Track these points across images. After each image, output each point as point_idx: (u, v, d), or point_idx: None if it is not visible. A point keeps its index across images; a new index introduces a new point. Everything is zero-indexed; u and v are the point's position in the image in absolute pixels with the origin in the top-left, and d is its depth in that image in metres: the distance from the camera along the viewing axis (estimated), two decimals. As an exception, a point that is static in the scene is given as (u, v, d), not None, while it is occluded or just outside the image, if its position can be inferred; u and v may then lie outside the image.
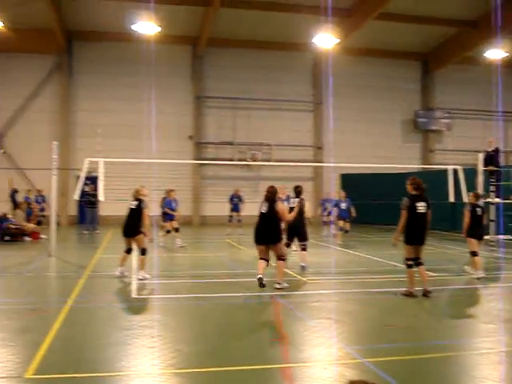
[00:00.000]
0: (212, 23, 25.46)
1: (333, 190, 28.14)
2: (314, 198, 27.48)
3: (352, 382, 1.73)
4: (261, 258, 10.25)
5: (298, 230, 12.54)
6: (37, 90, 27.48)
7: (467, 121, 31.62)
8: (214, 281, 10.91)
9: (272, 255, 10.39)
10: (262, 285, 9.98)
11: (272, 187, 10.43)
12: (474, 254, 11.75)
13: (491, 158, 18.17)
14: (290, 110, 29.85)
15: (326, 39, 24.12)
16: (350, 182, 26.31)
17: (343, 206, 19.54)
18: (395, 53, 30.48)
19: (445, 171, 18.65)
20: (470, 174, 18.77)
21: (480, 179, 18.14)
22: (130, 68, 27.31)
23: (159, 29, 22.11)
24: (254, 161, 27.95)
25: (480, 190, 17.37)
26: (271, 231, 10.16)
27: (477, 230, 11.83)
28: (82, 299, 9.26)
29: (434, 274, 11.93)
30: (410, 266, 9.73)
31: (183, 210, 27.82)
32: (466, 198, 17.21)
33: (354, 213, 19.84)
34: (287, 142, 29.33)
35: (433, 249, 14.73)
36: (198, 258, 15.72)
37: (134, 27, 21.95)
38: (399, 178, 25.73)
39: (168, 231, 18.23)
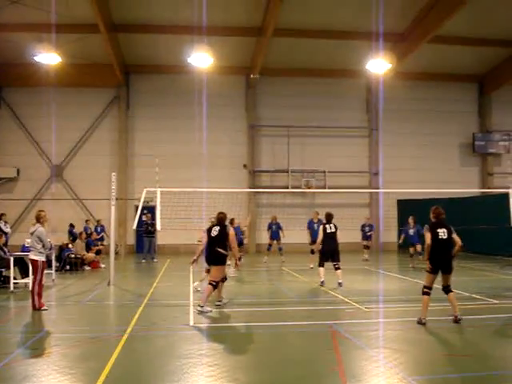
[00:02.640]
0: (264, 53, 25.76)
1: (387, 216, 27.87)
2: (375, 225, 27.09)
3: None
4: None
5: (332, 253, 14.41)
6: (96, 122, 28.30)
7: (527, 143, 30.81)
8: (270, 309, 10.85)
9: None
10: None
11: (221, 213, 11.48)
12: None
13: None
14: (343, 137, 29.74)
15: (378, 65, 24.02)
16: (406, 208, 25.91)
17: (411, 232, 19.80)
18: (450, 75, 30.09)
19: (504, 195, 18.15)
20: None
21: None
22: (185, 99, 27.81)
23: (212, 60, 22.48)
24: (309, 188, 27.88)
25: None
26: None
27: None
28: (140, 327, 9.36)
29: (497, 302, 11.58)
30: (425, 294, 9.68)
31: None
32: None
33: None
34: (341, 169, 29.16)
35: (491, 274, 14.27)
36: (254, 286, 15.68)
37: (188, 59, 22.38)
38: (458, 203, 25.44)
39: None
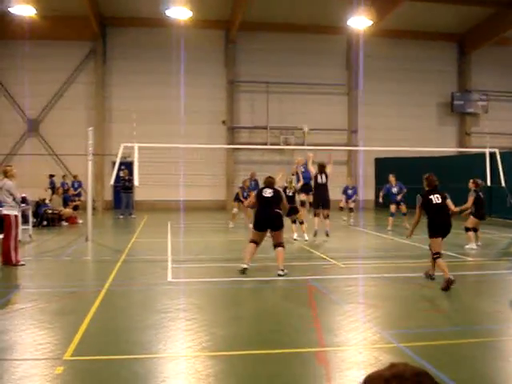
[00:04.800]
0: (244, 7, 25.30)
1: (365, 174, 28.05)
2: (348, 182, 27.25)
3: (393, 365, 1.71)
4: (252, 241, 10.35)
5: (323, 201, 15.22)
6: (72, 76, 27.76)
7: (505, 103, 30.97)
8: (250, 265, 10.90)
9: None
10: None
11: (270, 177, 10.76)
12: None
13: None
14: (323, 94, 29.59)
15: (359, 22, 23.79)
16: (384, 166, 26.05)
17: (394, 190, 19.11)
18: (430, 34, 29.91)
19: (482, 155, 18.33)
20: (508, 157, 18.43)
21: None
22: (163, 53, 27.35)
23: (191, 13, 22.05)
24: (288, 145, 27.83)
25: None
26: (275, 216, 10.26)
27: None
28: (118, 283, 9.40)
29: (471, 259, 11.81)
30: (437, 258, 9.38)
31: (218, 195, 28.08)
32: (503, 181, 16.96)
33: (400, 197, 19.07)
34: (321, 126, 29.11)
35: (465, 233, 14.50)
36: (234, 241, 15.77)
37: (166, 12, 21.94)
38: (435, 162, 25.65)
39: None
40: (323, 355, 5.72)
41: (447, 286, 8.77)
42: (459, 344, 6.16)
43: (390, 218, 18.67)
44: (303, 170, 16.70)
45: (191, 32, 25.97)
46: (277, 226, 10.16)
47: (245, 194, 19.21)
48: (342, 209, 21.15)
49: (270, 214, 10.14)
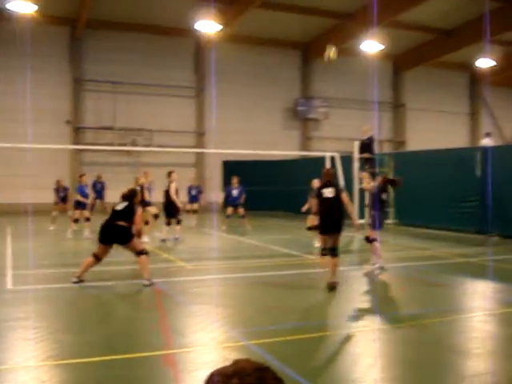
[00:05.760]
0: (90, 4, 24.60)
1: (214, 177, 28.39)
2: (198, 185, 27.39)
3: (236, 361, 1.78)
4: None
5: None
6: None
7: (344, 110, 32.82)
8: (94, 269, 10.60)
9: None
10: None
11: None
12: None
13: (366, 146, 18.99)
14: (171, 96, 29.56)
15: (208, 25, 24.09)
16: (232, 169, 26.52)
17: (235, 192, 19.28)
18: (277, 41, 31.00)
19: (322, 158, 19.27)
20: (347, 160, 19.55)
21: (356, 166, 18.98)
22: (6, 48, 25.79)
23: (36, 8, 21.10)
24: (134, 146, 27.44)
25: (356, 176, 18.16)
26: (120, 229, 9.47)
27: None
28: (-49, 291, 8.77)
29: (313, 257, 12.38)
30: (323, 255, 9.52)
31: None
32: (343, 183, 17.97)
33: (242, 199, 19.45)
34: (169, 128, 29.07)
35: (309, 233, 15.23)
36: (66, 246, 15.26)
37: (8, 5, 20.81)
38: (280, 165, 26.62)
39: (76, 220, 17.02)
40: (171, 357, 5.74)
41: (331, 287, 8.91)
42: (304, 339, 6.45)
43: (226, 220, 19.34)
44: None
45: (36, 27, 24.74)
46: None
47: (62, 195, 18.47)
48: (188, 212, 20.87)
49: (112, 227, 9.45)
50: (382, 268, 10.73)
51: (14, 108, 25.75)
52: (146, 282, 9.31)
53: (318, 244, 14.49)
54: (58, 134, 26.76)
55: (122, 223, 9.39)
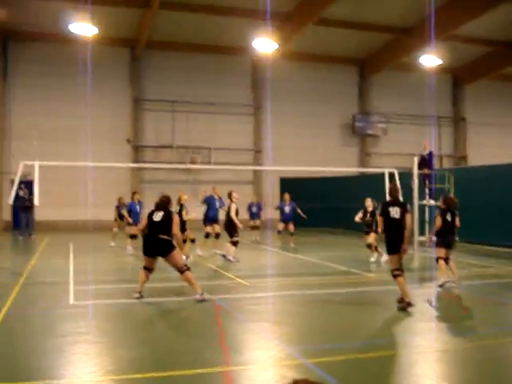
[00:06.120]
0: (150, 25, 25.21)
1: (272, 194, 28.39)
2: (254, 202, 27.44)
3: (295, 381, 1.74)
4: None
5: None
6: (-32, 91, 26.58)
7: (402, 125, 32.38)
8: (151, 285, 10.72)
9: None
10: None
11: (165, 196, 9.96)
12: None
13: (425, 162, 18.63)
14: (229, 114, 29.83)
15: (264, 43, 24.26)
16: (289, 186, 26.48)
17: (287, 209, 19.35)
18: (333, 58, 30.95)
19: (381, 174, 19.01)
20: (405, 176, 19.22)
21: (415, 182, 18.61)
22: (68, 69, 26.68)
23: (97, 30, 21.74)
24: (194, 164, 27.78)
25: (415, 192, 17.82)
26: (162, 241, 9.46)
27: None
28: (17, 307, 8.99)
29: (372, 275, 12.17)
30: (396, 276, 9.00)
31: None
32: (402, 200, 17.63)
33: (303, 215, 19.44)
34: (227, 146, 29.32)
35: (367, 250, 15.03)
36: (131, 263, 15.47)
37: (70, 28, 21.49)
38: (338, 181, 26.41)
39: (133, 236, 16.89)
40: (229, 374, 5.71)
41: (404, 307, 8.67)
42: (364, 358, 6.31)
43: (279, 236, 19.70)
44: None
45: (96, 49, 25.48)
46: (163, 252, 9.44)
47: (122, 212, 18.60)
48: (252, 228, 21.29)
49: (153, 239, 9.46)
50: (448, 284, 10.60)
51: (76, 127, 26.44)
52: (198, 297, 9.32)
53: (373, 259, 14.82)
54: (118, 152, 27.38)
55: (163, 236, 9.42)
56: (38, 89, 26.96)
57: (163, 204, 9.82)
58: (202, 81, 29.29)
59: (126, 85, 28.48)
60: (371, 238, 14.80)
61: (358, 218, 15.39)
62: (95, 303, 9.46)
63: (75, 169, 23.31)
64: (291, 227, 19.18)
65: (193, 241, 15.83)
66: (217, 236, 16.18)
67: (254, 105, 30.45)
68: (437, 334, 7.54)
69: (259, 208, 21.59)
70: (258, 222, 21.34)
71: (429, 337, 7.42)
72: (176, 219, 9.68)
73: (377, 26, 27.02)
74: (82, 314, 8.73)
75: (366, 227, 15.17)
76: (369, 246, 15.01)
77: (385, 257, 14.21)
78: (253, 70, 30.46)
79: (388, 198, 9.68)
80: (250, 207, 21.57)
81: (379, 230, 9.60)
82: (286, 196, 19.83)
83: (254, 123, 30.50)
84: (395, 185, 9.86)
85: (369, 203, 15.25)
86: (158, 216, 9.60)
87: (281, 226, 19.56)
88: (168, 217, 9.57)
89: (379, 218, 9.36)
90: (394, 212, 9.08)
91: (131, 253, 16.56)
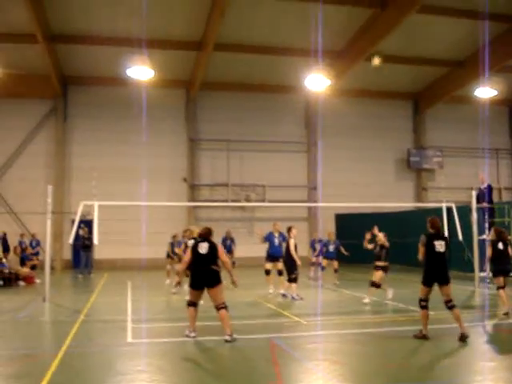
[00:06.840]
0: (205, 67, 25.81)
1: (326, 230, 28.19)
2: (308, 239, 27.31)
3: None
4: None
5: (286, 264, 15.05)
6: (32, 135, 27.59)
7: (459, 158, 31.84)
8: (208, 323, 10.74)
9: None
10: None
11: (207, 228, 10.00)
12: None
13: (484, 195, 18.24)
14: (283, 151, 30.01)
15: (317, 81, 24.41)
16: (344, 222, 26.30)
17: (331, 248, 19.39)
18: (386, 93, 30.89)
19: (439, 209, 18.67)
20: (464, 211, 18.83)
21: (474, 216, 18.17)
22: (124, 111, 27.55)
23: (153, 73, 22.35)
24: (248, 202, 27.97)
25: (474, 226, 17.42)
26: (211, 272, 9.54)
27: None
28: (76, 344, 9.15)
29: (432, 313, 11.88)
30: (423, 307, 9.38)
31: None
32: (461, 235, 17.30)
33: (345, 252, 19.56)
34: (281, 183, 29.44)
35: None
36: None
37: (128, 72, 22.18)
38: (394, 217, 26.03)
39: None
40: (286, 414, 5.64)
41: (419, 337, 9.21)
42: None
43: (320, 272, 19.75)
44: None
45: (152, 91, 26.24)
46: (212, 282, 9.48)
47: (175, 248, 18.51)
48: (313, 264, 21.15)
49: (204, 272, 9.52)
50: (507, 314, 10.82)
51: (133, 167, 27.12)
52: (228, 338, 9.24)
53: (367, 300, 14.03)
54: (175, 191, 27.86)
55: (214, 267, 9.52)
56: (96, 131, 27.83)
57: (206, 235, 9.88)
58: (256, 119, 29.64)
59: (181, 125, 29.09)
60: (378, 276, 14.12)
61: (366, 243, 15.00)
62: (153, 341, 9.54)
63: (132, 207, 23.75)
64: (335, 264, 19.32)
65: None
66: (279, 273, 16.03)
67: (308, 141, 30.56)
68: (499, 373, 7.27)
69: (338, 246, 20.03)
70: (334, 262, 19.81)
71: (491, 376, 7.15)
72: (221, 248, 9.88)
73: (429, 60, 26.93)
74: (140, 352, 8.81)
75: (376, 258, 14.45)
76: (373, 284, 14.12)
77: (390, 294, 14.16)
78: (306, 107, 30.66)
79: (430, 230, 9.56)
80: (312, 244, 21.68)
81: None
82: (331, 234, 20.14)
83: (308, 160, 30.56)
84: (437, 219, 9.74)
85: (380, 236, 14.84)
86: (204, 248, 9.65)
87: (325, 262, 19.71)
88: (213, 247, 9.68)
89: (421, 249, 9.43)
90: (439, 245, 9.25)
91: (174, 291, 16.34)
